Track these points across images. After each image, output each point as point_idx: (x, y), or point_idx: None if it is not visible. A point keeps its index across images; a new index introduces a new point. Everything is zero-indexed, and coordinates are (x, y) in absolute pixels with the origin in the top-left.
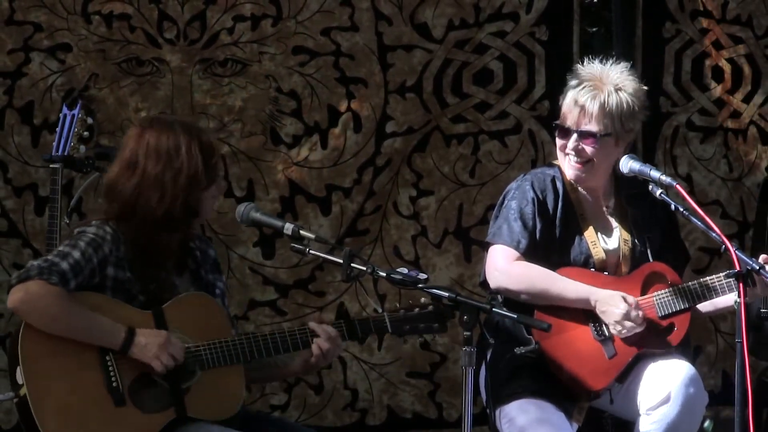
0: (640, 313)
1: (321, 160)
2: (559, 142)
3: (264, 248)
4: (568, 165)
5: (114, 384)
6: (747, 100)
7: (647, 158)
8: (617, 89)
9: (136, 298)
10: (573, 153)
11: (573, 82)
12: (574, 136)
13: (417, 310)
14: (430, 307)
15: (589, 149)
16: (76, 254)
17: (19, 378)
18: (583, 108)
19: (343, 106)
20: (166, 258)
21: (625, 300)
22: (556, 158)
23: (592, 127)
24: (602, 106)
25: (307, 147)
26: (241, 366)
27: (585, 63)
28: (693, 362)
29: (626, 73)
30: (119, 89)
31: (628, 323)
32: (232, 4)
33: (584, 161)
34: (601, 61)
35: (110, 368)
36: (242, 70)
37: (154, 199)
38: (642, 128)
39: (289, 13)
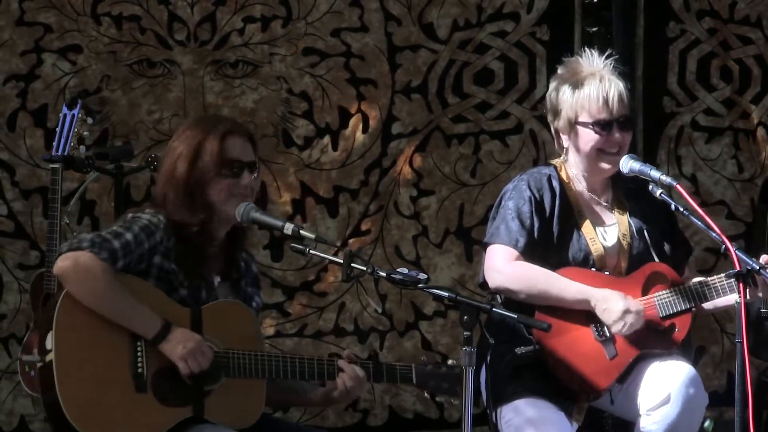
0: (640, 309)
1: (331, 162)
2: (596, 138)
3: (273, 251)
4: (606, 161)
5: (140, 370)
6: (756, 101)
7: (648, 158)
8: (614, 76)
9: (177, 291)
10: (617, 146)
11: (573, 78)
12: (616, 126)
13: (444, 369)
14: (458, 370)
15: (627, 136)
16: (129, 236)
17: (49, 343)
18: (614, 98)
19: (353, 108)
20: (211, 256)
21: (623, 299)
22: (557, 158)
23: (626, 112)
24: (621, 92)
25: (318, 149)
26: (264, 382)
27: (566, 60)
28: (694, 363)
29: (606, 60)
30: (131, 91)
31: (629, 319)
32: (241, 5)
33: (619, 150)
34: (580, 55)
35: (139, 354)
36: (253, 71)
37: (161, 187)
38: (643, 128)
39: (299, 14)
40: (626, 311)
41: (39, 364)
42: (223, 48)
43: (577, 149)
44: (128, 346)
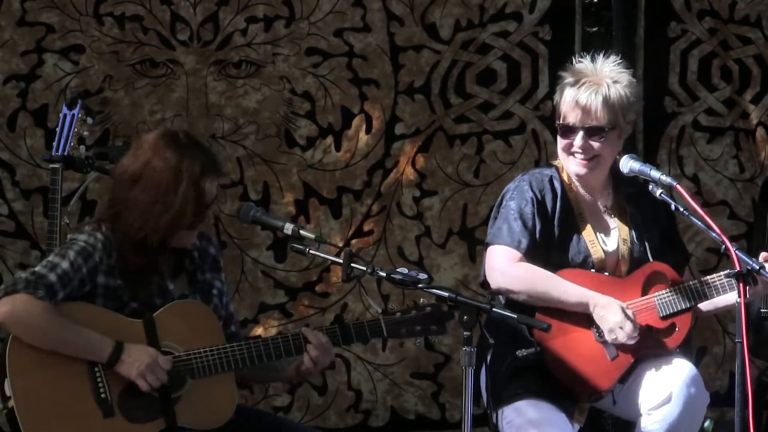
0: (635, 332)
1: (334, 162)
2: (562, 141)
3: (276, 251)
4: (573, 164)
5: (103, 395)
6: (756, 101)
7: (648, 158)
8: (614, 82)
9: (128, 305)
10: (580, 151)
11: (569, 80)
12: (581, 133)
13: (414, 312)
14: (428, 309)
15: (596, 145)
16: (65, 265)
17: (7, 390)
18: (586, 105)
19: (356, 108)
20: (159, 263)
21: (623, 311)
22: (557, 158)
23: (599, 122)
24: (605, 101)
25: (321, 149)
26: (232, 374)
27: (576, 60)
28: (696, 363)
29: (618, 67)
30: (134, 91)
31: (621, 333)
32: (244, 5)
33: (591, 157)
34: (592, 58)
35: (99, 379)
36: (256, 71)
37: (135, 223)
38: (643, 128)
39: (301, 14)
40: (620, 327)
41: (4, 411)
42: (226, 48)
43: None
44: (87, 374)
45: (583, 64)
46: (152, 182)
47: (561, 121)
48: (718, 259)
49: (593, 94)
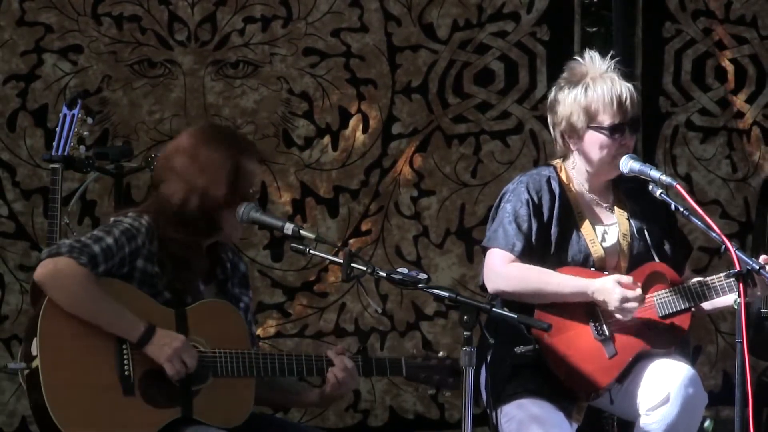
0: (638, 291)
1: (332, 162)
2: (608, 142)
3: (273, 251)
4: (613, 165)
5: (126, 373)
6: (750, 100)
7: (647, 158)
8: (620, 77)
9: (161, 294)
10: (625, 149)
11: (580, 82)
12: (627, 129)
13: (434, 361)
14: (448, 362)
15: (634, 138)
16: (109, 240)
17: (34, 349)
18: (625, 98)
19: (353, 108)
20: (194, 261)
21: (619, 283)
22: (557, 159)
23: (635, 114)
24: (633, 95)
25: (318, 149)
26: (253, 380)
27: (570, 62)
28: (692, 362)
29: (610, 63)
30: (132, 91)
31: (629, 305)
32: (242, 5)
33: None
34: (583, 57)
35: (125, 357)
36: (254, 71)
37: (177, 196)
38: (642, 128)
39: (299, 14)
40: (624, 299)
41: (26, 371)
42: (224, 48)
43: (587, 153)
44: (114, 349)
45: (581, 63)
46: (194, 163)
47: (602, 123)
48: (710, 258)
49: (624, 87)
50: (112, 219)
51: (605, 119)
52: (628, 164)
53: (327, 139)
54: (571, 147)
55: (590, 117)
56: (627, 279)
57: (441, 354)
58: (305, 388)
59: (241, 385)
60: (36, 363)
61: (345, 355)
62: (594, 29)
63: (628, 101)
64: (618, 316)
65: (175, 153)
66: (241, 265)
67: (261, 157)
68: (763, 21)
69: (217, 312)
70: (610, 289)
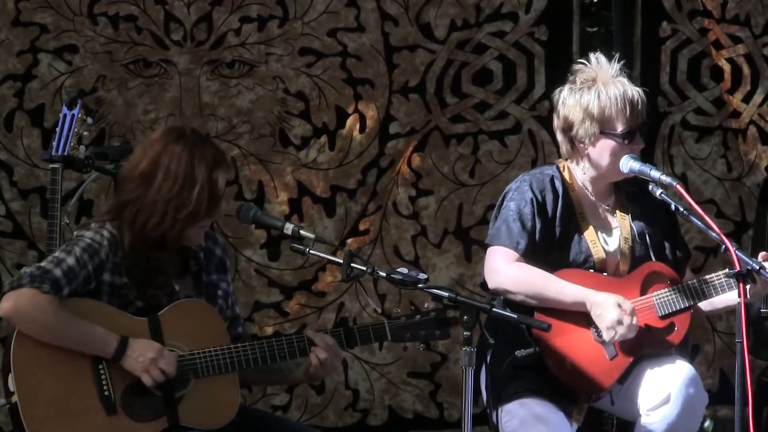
0: (634, 320)
1: (328, 162)
2: (622, 148)
3: (270, 250)
4: (618, 169)
5: (106, 393)
6: (746, 99)
7: (646, 158)
8: (628, 80)
9: (133, 304)
10: (636, 154)
11: (591, 86)
12: (637, 134)
13: (418, 317)
14: (432, 314)
15: (642, 142)
16: (71, 261)
17: (11, 385)
18: (637, 102)
19: (350, 108)
20: (163, 263)
21: (620, 306)
22: (557, 159)
23: (643, 117)
24: (643, 99)
25: (315, 149)
26: (236, 374)
27: (578, 66)
28: (690, 362)
29: (616, 66)
30: (127, 91)
31: (620, 330)
32: (238, 5)
33: None
34: (588, 59)
35: (102, 377)
36: (250, 71)
37: (152, 220)
38: None
39: (295, 14)
40: (618, 322)
41: (7, 407)
42: (220, 48)
43: (598, 158)
44: (90, 370)
45: (589, 67)
46: (166, 179)
47: (615, 129)
48: (705, 257)
49: (635, 92)
50: (75, 233)
51: (618, 126)
52: (628, 164)
53: (324, 139)
54: (581, 152)
55: (603, 123)
56: (629, 306)
57: (426, 306)
58: (293, 366)
59: (224, 381)
60: (14, 398)
61: (325, 333)
62: (593, 29)
63: (639, 106)
64: (605, 336)
65: (149, 169)
66: (217, 249)
67: (229, 163)
68: (756, 20)
69: (190, 312)
70: (609, 306)
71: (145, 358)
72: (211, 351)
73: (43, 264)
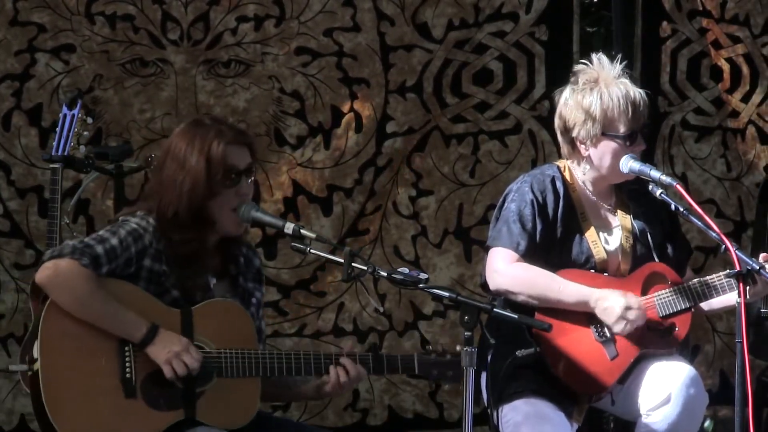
0: (641, 305)
1: (324, 161)
2: (624, 150)
3: (267, 249)
4: (618, 170)
5: (128, 375)
6: (745, 99)
7: (646, 158)
8: (630, 82)
9: (169, 293)
10: (639, 153)
11: (593, 87)
12: (640, 136)
13: (449, 356)
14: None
15: (644, 143)
16: (114, 241)
17: (35, 352)
18: (639, 103)
19: (346, 107)
20: (203, 258)
21: (623, 299)
22: (557, 159)
23: (645, 119)
24: (645, 100)
25: (311, 148)
26: (258, 380)
27: (580, 66)
28: (691, 362)
29: (618, 67)
30: (123, 90)
31: (630, 315)
32: (235, 4)
33: None
34: (590, 61)
35: (127, 359)
36: (246, 70)
37: (170, 202)
38: None
39: (291, 13)
40: (627, 308)
41: (28, 373)
42: (216, 47)
43: (600, 159)
44: (116, 351)
45: (591, 67)
46: (172, 161)
47: (617, 131)
48: (705, 257)
49: (637, 93)
50: (120, 218)
51: (620, 127)
52: (628, 164)
53: (319, 138)
54: (582, 153)
55: (605, 125)
56: (632, 296)
57: (457, 348)
58: (302, 381)
59: (246, 385)
60: (37, 366)
61: (354, 357)
62: (593, 29)
63: (641, 108)
64: (616, 329)
65: (163, 157)
66: (255, 260)
67: (242, 139)
68: (755, 20)
69: (224, 311)
70: (614, 298)
71: (170, 349)
72: (238, 352)
73: (86, 239)
